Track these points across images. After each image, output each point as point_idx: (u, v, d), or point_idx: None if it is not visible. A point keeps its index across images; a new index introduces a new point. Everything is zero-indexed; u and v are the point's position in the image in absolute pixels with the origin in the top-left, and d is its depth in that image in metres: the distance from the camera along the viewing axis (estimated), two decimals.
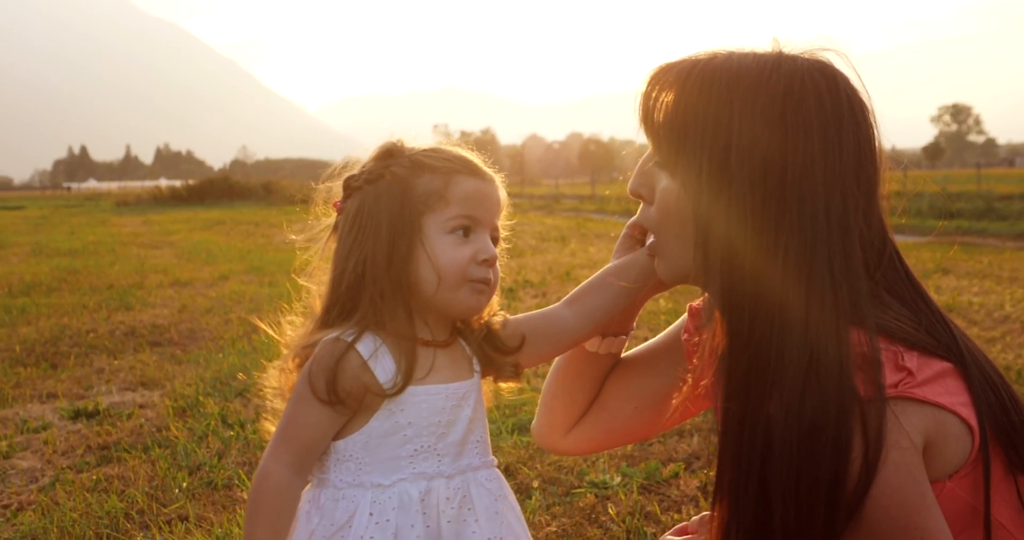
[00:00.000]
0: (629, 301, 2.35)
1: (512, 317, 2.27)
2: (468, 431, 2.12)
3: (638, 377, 2.63)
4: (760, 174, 1.91)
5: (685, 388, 2.20)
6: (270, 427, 2.16)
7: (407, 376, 2.01)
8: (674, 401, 2.30)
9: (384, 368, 2.00)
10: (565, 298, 2.37)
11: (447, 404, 2.08)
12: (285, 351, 2.17)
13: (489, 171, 2.17)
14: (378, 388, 2.00)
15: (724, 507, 2.02)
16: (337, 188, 2.16)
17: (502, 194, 2.19)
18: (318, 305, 2.15)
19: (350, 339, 2.01)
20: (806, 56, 2.03)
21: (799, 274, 1.88)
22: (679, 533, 2.58)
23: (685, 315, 2.51)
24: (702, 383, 2.12)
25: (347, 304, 2.06)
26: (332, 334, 2.02)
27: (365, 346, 2.00)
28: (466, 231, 2.09)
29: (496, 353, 2.20)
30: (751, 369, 1.90)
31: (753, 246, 1.91)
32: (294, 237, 2.22)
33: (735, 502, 1.96)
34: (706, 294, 2.23)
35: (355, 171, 2.14)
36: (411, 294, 2.06)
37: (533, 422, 2.77)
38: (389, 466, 2.04)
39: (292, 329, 2.20)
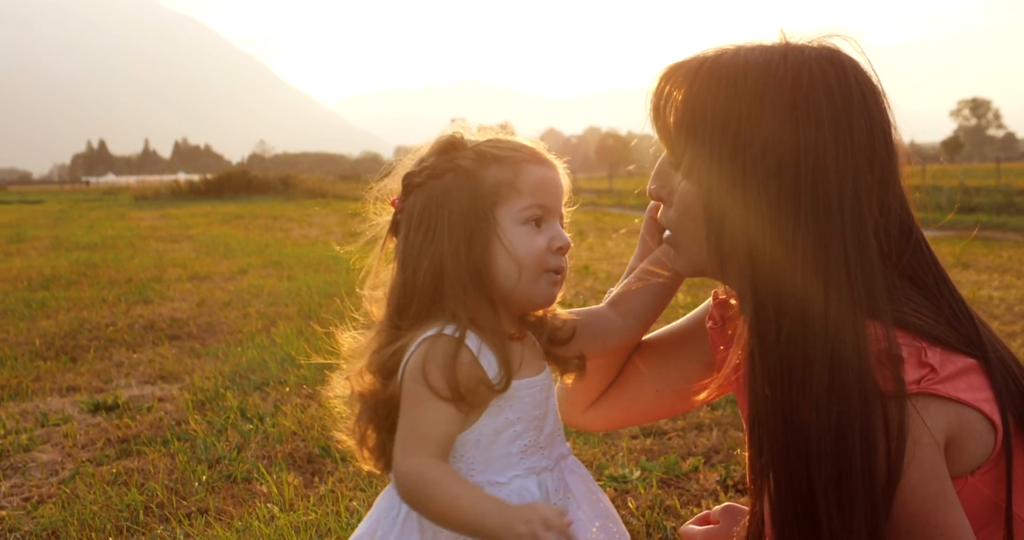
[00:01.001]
0: (672, 294, 2.37)
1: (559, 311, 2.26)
2: (556, 421, 2.14)
3: (661, 360, 2.63)
4: (774, 170, 1.91)
5: (717, 377, 2.20)
6: (343, 437, 2.16)
7: (509, 371, 1.99)
8: (703, 394, 2.30)
9: (489, 363, 1.98)
10: (606, 302, 2.38)
11: (541, 396, 2.08)
12: (352, 358, 2.13)
13: (552, 157, 2.15)
14: (489, 384, 1.97)
15: (763, 500, 2.01)
16: (394, 185, 2.12)
17: (565, 180, 2.16)
18: (380, 308, 2.12)
19: (456, 335, 1.96)
20: (814, 45, 2.02)
21: (816, 269, 1.88)
22: (701, 522, 2.58)
23: (709, 301, 2.51)
24: (735, 374, 2.13)
25: (425, 303, 2.01)
26: (428, 332, 1.97)
27: (471, 341, 1.98)
28: (538, 221, 2.06)
29: (551, 345, 2.19)
30: (781, 366, 1.90)
31: (770, 243, 1.90)
32: (338, 248, 2.26)
33: (777, 497, 1.95)
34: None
35: (414, 167, 2.09)
36: (492, 288, 2.02)
37: None
38: (502, 464, 2.02)
39: (350, 338, 2.17)
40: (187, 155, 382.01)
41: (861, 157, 1.94)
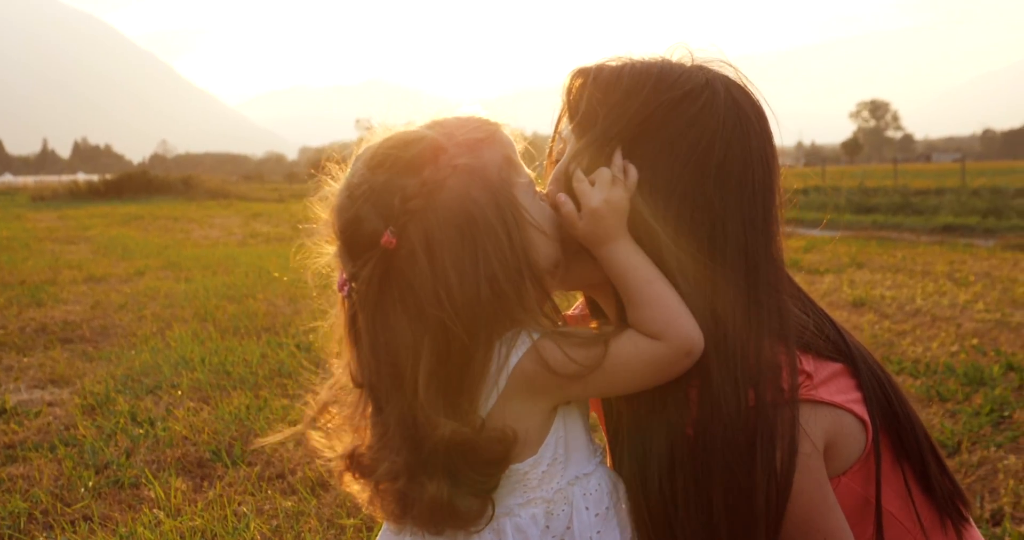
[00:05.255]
0: None
1: None
2: None
3: None
4: (699, 177, 1.90)
5: None
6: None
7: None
8: None
9: None
10: None
11: None
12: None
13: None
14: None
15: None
16: (371, 222, 1.76)
17: None
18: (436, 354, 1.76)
19: (534, 337, 1.79)
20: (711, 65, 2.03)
21: (735, 282, 1.88)
22: None
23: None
24: None
25: (488, 333, 1.77)
26: (515, 355, 1.78)
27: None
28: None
29: None
30: (687, 381, 1.90)
31: (686, 253, 1.89)
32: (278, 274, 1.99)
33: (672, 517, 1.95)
34: (582, 302, 2.26)
35: (403, 191, 1.75)
36: (543, 277, 1.84)
37: None
38: (582, 453, 1.91)
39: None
40: (87, 155, 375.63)
41: (776, 167, 1.97)
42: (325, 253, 1.88)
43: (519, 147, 1.94)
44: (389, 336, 1.77)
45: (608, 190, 1.86)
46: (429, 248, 1.73)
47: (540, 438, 1.84)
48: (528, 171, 1.91)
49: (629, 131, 1.92)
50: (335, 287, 1.85)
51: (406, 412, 1.76)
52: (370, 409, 1.84)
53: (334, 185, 1.86)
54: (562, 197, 1.91)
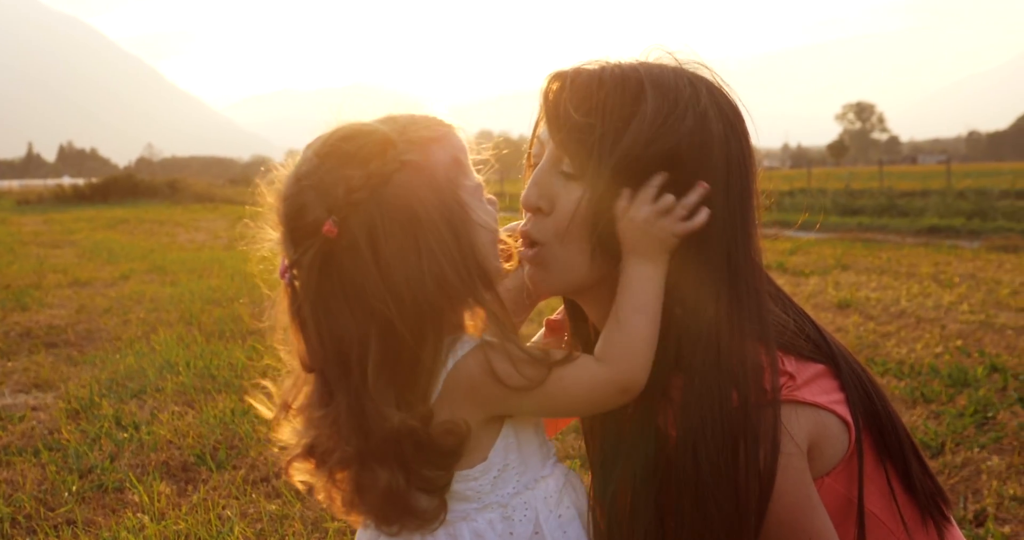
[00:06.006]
0: (521, 319, 2.31)
1: None
2: None
3: None
4: (684, 180, 1.90)
5: None
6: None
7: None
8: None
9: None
10: None
11: None
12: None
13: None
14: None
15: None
16: (314, 211, 1.75)
17: None
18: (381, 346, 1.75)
19: (481, 340, 1.78)
20: (690, 68, 2.03)
21: (717, 284, 1.89)
22: None
23: (542, 331, 2.49)
24: None
25: (434, 327, 1.75)
26: (457, 354, 1.77)
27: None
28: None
29: None
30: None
31: (683, 253, 1.89)
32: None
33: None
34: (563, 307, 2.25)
35: (348, 182, 1.74)
36: (491, 277, 1.83)
37: None
38: (539, 456, 1.91)
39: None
40: (72, 159, 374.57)
41: (754, 169, 1.98)
42: (269, 238, 1.87)
43: (489, 154, 1.95)
44: (332, 324, 1.76)
45: (662, 217, 1.86)
46: (372, 241, 1.73)
47: (488, 444, 1.84)
48: (477, 176, 1.89)
49: (618, 137, 1.92)
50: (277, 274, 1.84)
51: (354, 401, 1.76)
52: (324, 397, 1.83)
53: (283, 172, 1.85)
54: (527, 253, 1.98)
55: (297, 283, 1.80)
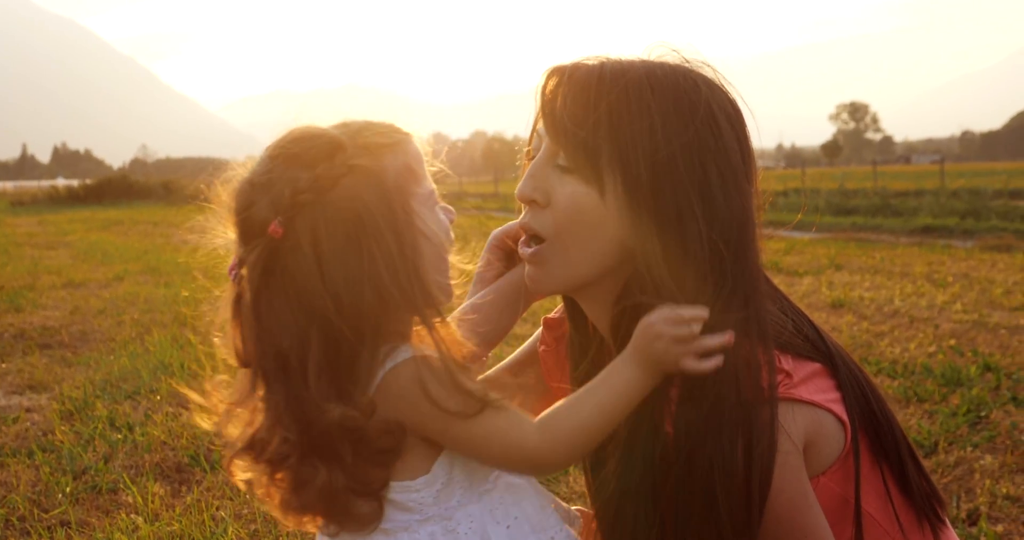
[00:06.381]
0: (515, 317, 2.30)
1: None
2: None
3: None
4: (685, 178, 1.89)
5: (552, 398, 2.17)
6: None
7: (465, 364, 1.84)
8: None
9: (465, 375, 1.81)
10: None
11: None
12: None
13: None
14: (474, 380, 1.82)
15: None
16: (262, 211, 1.75)
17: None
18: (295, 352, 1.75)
19: (421, 352, 1.76)
20: (693, 67, 2.03)
21: (713, 282, 1.88)
22: None
23: (540, 329, 2.49)
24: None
25: (371, 332, 1.75)
26: (391, 362, 1.75)
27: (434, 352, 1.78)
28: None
29: None
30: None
31: (670, 252, 1.89)
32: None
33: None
34: (562, 305, 2.25)
35: (295, 184, 1.74)
36: (432, 290, 1.82)
37: None
38: (484, 469, 1.88)
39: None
40: (67, 160, 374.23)
41: (753, 169, 1.99)
42: (221, 235, 1.87)
43: (441, 164, 1.95)
44: (272, 322, 1.75)
45: (678, 344, 1.81)
46: (315, 244, 1.73)
47: (432, 456, 1.84)
48: (431, 184, 1.89)
49: (614, 133, 1.92)
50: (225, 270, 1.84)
51: (292, 395, 1.75)
52: (261, 390, 1.81)
53: (240, 171, 1.86)
54: None
55: (241, 280, 1.79)
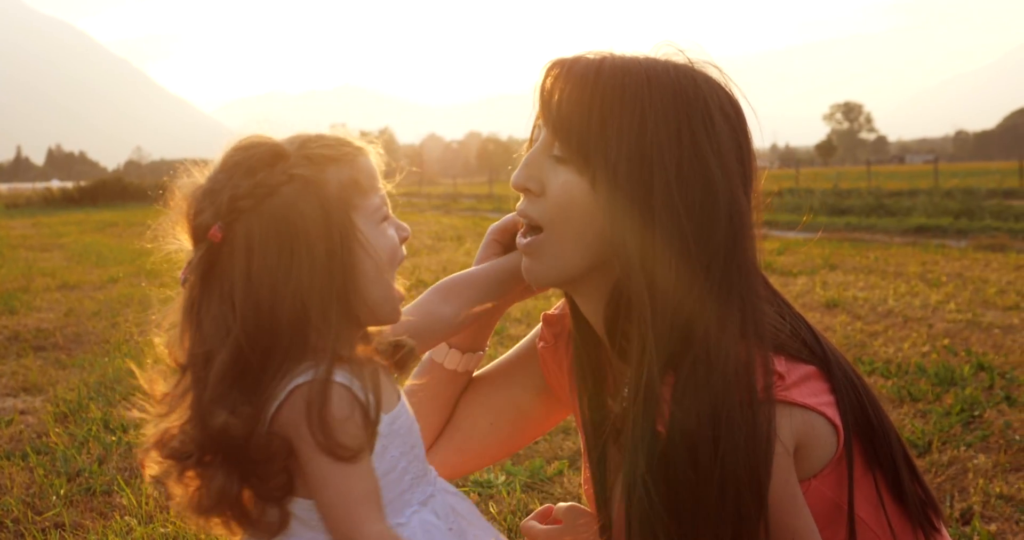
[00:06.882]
0: (499, 298, 2.30)
1: None
2: (421, 444, 1.98)
3: (493, 391, 2.55)
4: (675, 173, 1.89)
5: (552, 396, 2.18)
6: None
7: (379, 405, 1.78)
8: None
9: (369, 402, 1.77)
10: (437, 290, 2.24)
11: (410, 421, 1.92)
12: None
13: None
14: (374, 424, 1.78)
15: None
16: (207, 217, 1.78)
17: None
18: (211, 358, 1.75)
19: (335, 378, 1.74)
20: (692, 64, 2.03)
21: (711, 278, 1.88)
22: (542, 516, 2.54)
23: (539, 326, 2.49)
24: (574, 396, 2.12)
25: (285, 346, 1.74)
26: (296, 380, 1.73)
27: (350, 381, 1.75)
28: (386, 214, 1.88)
29: (396, 366, 1.99)
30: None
31: (663, 247, 1.89)
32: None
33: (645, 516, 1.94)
34: (565, 300, 2.25)
35: (235, 190, 1.76)
36: (362, 308, 1.81)
37: None
38: (398, 504, 1.87)
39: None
40: (61, 162, 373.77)
41: (754, 170, 1.99)
42: (177, 239, 1.90)
43: (392, 188, 1.94)
44: (206, 325, 1.77)
45: None
46: (248, 250, 1.74)
47: None
48: (380, 200, 1.88)
49: (606, 124, 1.92)
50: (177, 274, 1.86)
51: (198, 395, 1.75)
52: (187, 390, 1.80)
53: (197, 176, 1.87)
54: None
55: (186, 284, 1.82)
